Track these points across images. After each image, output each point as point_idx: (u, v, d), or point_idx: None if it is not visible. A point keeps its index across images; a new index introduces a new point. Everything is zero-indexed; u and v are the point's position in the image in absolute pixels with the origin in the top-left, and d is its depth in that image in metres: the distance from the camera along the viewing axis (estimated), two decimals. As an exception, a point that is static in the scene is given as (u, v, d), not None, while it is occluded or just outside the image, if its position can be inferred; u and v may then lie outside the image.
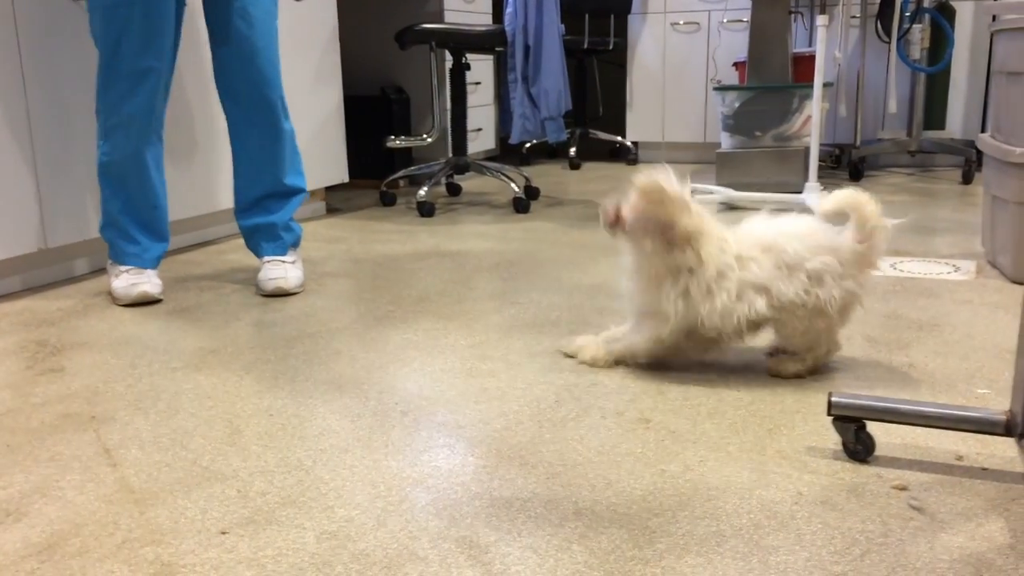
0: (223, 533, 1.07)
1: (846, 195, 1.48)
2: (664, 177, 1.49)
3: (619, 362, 1.62)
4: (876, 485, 1.16)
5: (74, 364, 1.69)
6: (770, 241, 1.48)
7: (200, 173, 2.68)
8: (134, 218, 2.14)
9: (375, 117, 3.86)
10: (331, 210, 3.39)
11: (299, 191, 2.28)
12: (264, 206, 2.24)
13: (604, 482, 1.18)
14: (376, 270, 2.41)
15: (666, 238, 1.48)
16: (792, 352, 1.53)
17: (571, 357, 1.66)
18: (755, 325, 1.51)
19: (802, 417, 1.37)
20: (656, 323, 1.53)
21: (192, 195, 2.66)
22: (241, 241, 2.76)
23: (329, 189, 3.65)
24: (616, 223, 1.54)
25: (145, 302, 2.10)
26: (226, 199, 2.64)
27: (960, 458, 1.23)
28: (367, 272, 2.39)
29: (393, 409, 1.44)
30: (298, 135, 3.02)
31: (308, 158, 3.09)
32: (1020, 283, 2.10)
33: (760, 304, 1.47)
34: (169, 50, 2.05)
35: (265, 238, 2.25)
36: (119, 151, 2.04)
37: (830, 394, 1.23)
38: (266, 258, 2.24)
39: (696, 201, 1.51)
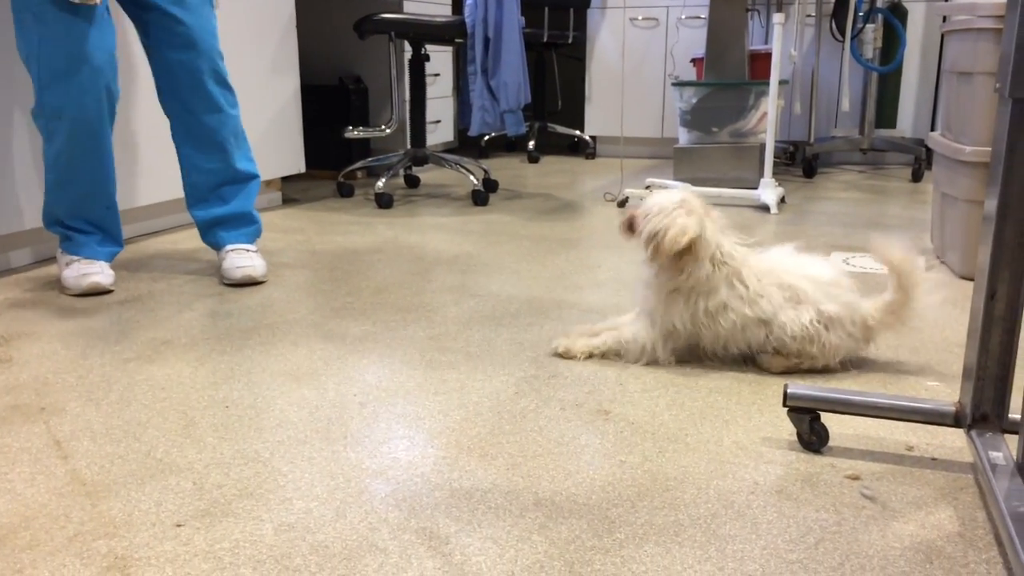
0: (178, 526, 1.05)
1: (900, 260, 1.51)
2: (688, 212, 1.52)
3: (603, 355, 1.63)
4: (830, 475, 1.18)
5: (22, 355, 1.65)
6: (790, 282, 1.53)
7: (149, 161, 2.63)
8: (86, 218, 2.09)
9: (333, 107, 3.82)
10: (287, 201, 3.35)
11: (252, 176, 2.24)
12: (220, 195, 2.20)
13: (564, 473, 1.18)
14: (334, 261, 2.38)
15: (680, 262, 1.52)
16: (786, 353, 1.55)
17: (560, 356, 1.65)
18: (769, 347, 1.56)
19: (758, 409, 1.39)
20: (664, 334, 1.58)
21: (142, 184, 2.61)
22: (195, 230, 2.72)
23: (285, 179, 3.61)
24: (631, 232, 1.58)
25: (96, 292, 2.05)
26: (175, 188, 2.59)
27: (911, 448, 1.26)
28: (324, 263, 2.36)
29: (352, 400, 1.43)
30: (254, 124, 2.99)
31: (264, 148, 3.05)
32: (968, 279, 2.15)
33: (760, 336, 1.53)
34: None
35: (226, 228, 2.22)
36: (67, 145, 1.99)
37: (785, 386, 1.25)
38: (229, 247, 2.20)
39: (719, 224, 1.56)
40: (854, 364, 1.58)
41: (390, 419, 1.36)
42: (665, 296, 1.56)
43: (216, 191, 2.19)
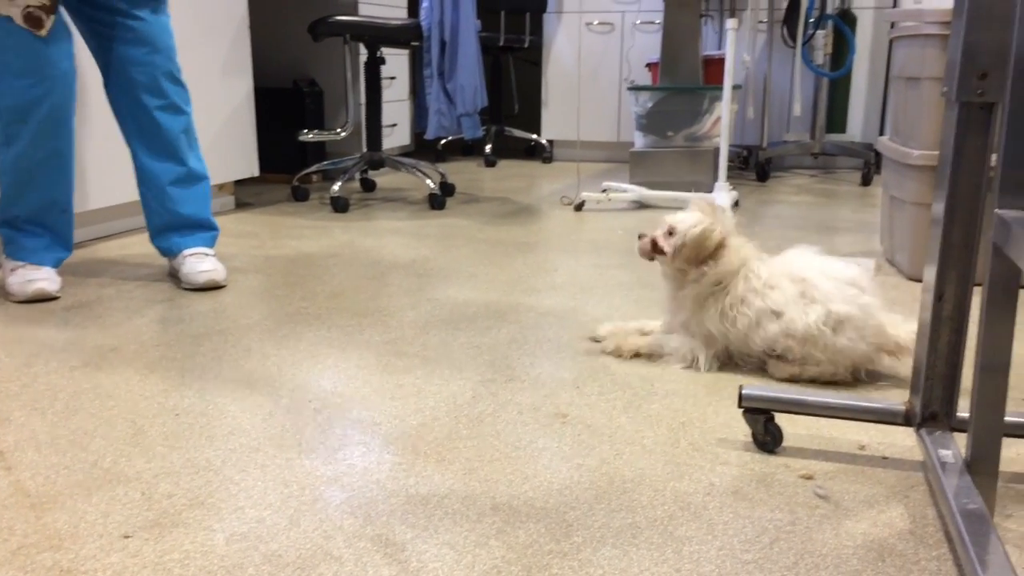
0: (126, 537, 1.03)
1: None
2: (707, 215, 1.58)
3: (648, 356, 1.65)
4: (784, 475, 1.19)
5: (-37, 363, 1.60)
6: (804, 275, 1.52)
7: (99, 165, 2.57)
8: (40, 222, 2.05)
9: (287, 110, 3.78)
10: (241, 205, 3.30)
11: (203, 177, 2.21)
12: (173, 195, 2.16)
13: (521, 477, 1.18)
14: (288, 266, 2.35)
15: (700, 269, 1.56)
16: (791, 360, 1.52)
17: (597, 341, 1.71)
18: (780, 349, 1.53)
19: (714, 410, 1.40)
20: (703, 341, 1.58)
21: (93, 188, 2.56)
22: (144, 235, 2.66)
23: (239, 183, 3.56)
24: (655, 253, 1.62)
25: (42, 299, 2.00)
26: (126, 192, 2.54)
27: (863, 448, 1.27)
28: (279, 268, 2.33)
29: (306, 407, 1.41)
30: (206, 127, 2.94)
31: (216, 151, 3.01)
32: (917, 280, 2.19)
33: (773, 329, 1.50)
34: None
35: (182, 233, 2.18)
36: (29, 148, 1.94)
37: (740, 387, 1.26)
38: (188, 251, 2.17)
39: (733, 228, 1.59)
40: (872, 377, 1.54)
41: (345, 425, 1.34)
42: (693, 304, 1.57)
43: (168, 190, 2.15)
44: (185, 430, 1.32)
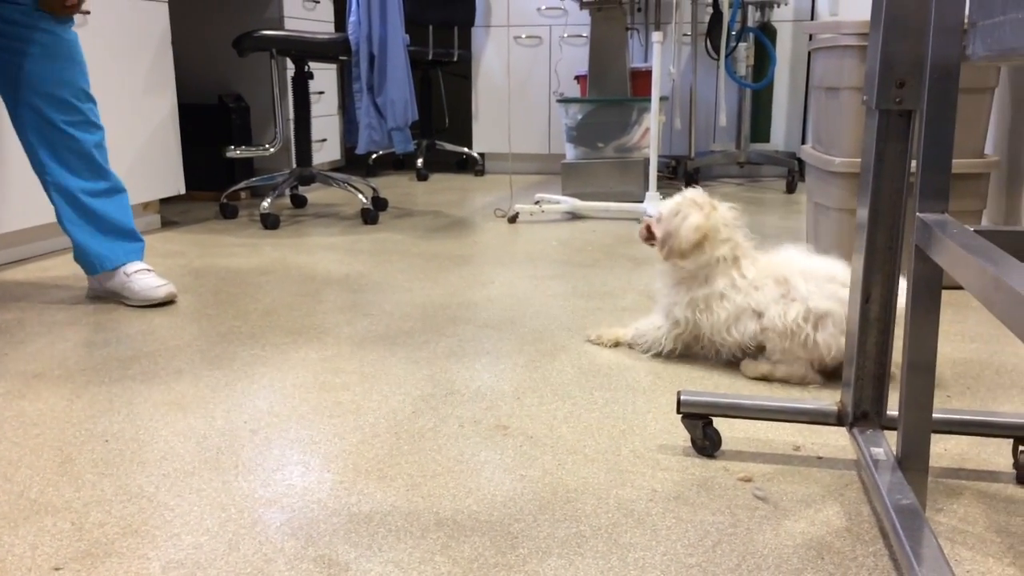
0: (56, 569, 0.99)
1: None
2: (694, 207, 1.63)
3: (629, 345, 1.76)
4: (723, 478, 1.21)
5: None
6: (787, 274, 1.56)
7: (14, 186, 2.48)
8: None
9: (213, 126, 3.71)
10: (167, 223, 3.22)
11: (120, 189, 2.16)
12: (96, 211, 2.10)
13: (464, 491, 1.17)
14: (219, 285, 2.30)
15: (694, 255, 1.60)
16: (769, 352, 1.57)
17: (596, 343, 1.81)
18: (756, 344, 1.59)
19: (653, 417, 1.42)
20: (671, 324, 1.66)
21: (7, 210, 2.47)
22: (66, 255, 2.58)
23: (164, 202, 3.47)
24: (652, 238, 1.68)
25: None
26: (43, 213, 2.46)
27: (798, 448, 1.30)
28: (209, 287, 2.28)
29: (242, 428, 1.38)
30: (129, 145, 2.87)
31: (140, 169, 2.93)
32: (842, 284, 2.26)
33: (752, 327, 1.56)
34: None
35: (112, 245, 2.13)
36: None
37: (679, 392, 1.28)
38: (133, 267, 2.13)
39: (727, 217, 1.64)
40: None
41: (283, 445, 1.32)
42: (672, 287, 1.64)
43: (92, 204, 2.09)
44: (115, 456, 1.28)
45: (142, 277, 2.12)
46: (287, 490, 1.17)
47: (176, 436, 1.35)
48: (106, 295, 2.16)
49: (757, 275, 1.58)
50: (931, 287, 1.01)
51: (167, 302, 2.12)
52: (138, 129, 2.93)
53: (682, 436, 1.33)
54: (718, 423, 1.30)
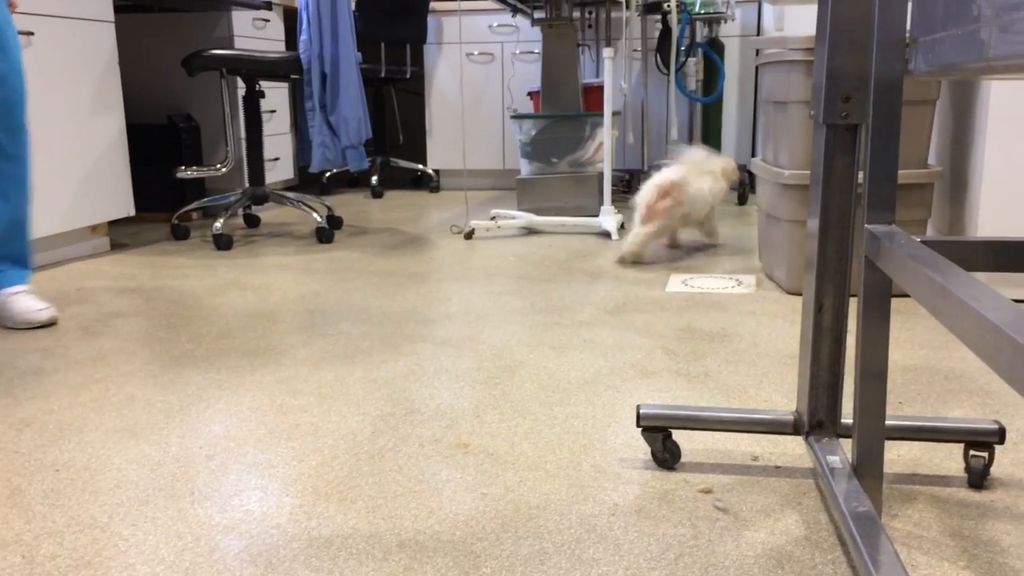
0: (5, 607, 0.96)
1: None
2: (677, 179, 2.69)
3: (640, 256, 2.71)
4: (684, 490, 1.22)
5: None
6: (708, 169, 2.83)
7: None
8: None
9: (163, 147, 3.66)
10: (116, 246, 3.17)
11: (26, 220, 2.14)
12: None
13: (426, 511, 1.16)
14: (171, 307, 2.27)
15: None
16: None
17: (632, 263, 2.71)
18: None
19: (613, 431, 1.42)
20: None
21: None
22: None
23: (113, 224, 3.42)
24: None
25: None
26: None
27: (756, 458, 1.31)
28: (161, 310, 2.24)
29: (197, 453, 1.36)
30: (76, 166, 2.82)
31: (88, 191, 2.88)
32: (795, 294, 2.30)
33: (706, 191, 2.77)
34: None
35: (4, 271, 2.10)
36: None
37: (639, 406, 1.29)
38: (13, 289, 2.11)
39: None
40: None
41: (240, 470, 1.30)
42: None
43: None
44: (67, 486, 1.25)
45: (23, 300, 2.09)
46: (245, 516, 1.16)
47: (129, 464, 1.32)
48: None
49: (691, 171, 2.78)
50: (881, 296, 1.03)
51: (48, 325, 2.09)
52: (86, 151, 2.88)
53: (642, 449, 1.34)
54: (678, 435, 1.31)
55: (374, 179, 4.60)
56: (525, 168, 3.78)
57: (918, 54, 0.93)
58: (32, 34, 2.56)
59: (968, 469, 1.23)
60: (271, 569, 1.03)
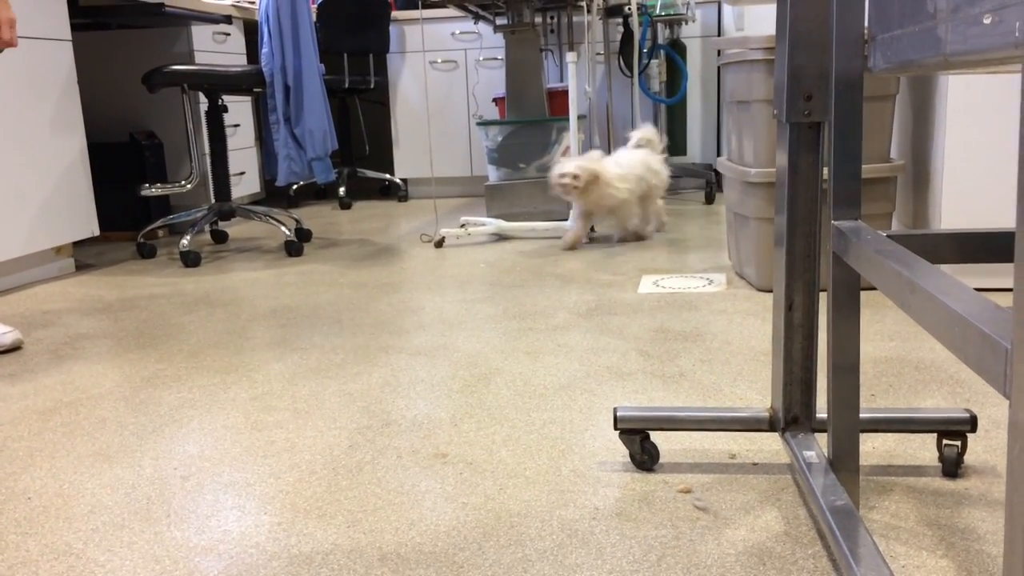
0: (-20, 640, 0.94)
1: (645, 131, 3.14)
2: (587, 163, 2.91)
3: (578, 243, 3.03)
4: (664, 491, 1.22)
5: None
6: (639, 159, 3.06)
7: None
8: None
9: (125, 165, 3.62)
10: (81, 267, 3.12)
11: None
12: None
13: (407, 523, 1.16)
14: (140, 327, 2.24)
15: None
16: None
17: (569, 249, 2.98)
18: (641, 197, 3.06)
19: (591, 435, 1.42)
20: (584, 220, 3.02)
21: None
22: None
23: (78, 244, 3.37)
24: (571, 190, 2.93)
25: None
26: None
27: (734, 456, 1.32)
28: (129, 330, 2.21)
29: (172, 475, 1.34)
30: (37, 187, 2.78)
31: (50, 212, 2.84)
32: (766, 291, 2.32)
33: (642, 186, 3.03)
34: None
35: None
36: None
37: (615, 409, 1.29)
38: None
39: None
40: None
41: (217, 490, 1.28)
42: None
43: None
44: (39, 514, 1.23)
45: None
46: (223, 536, 1.14)
47: (103, 488, 1.30)
48: None
49: (621, 168, 3.05)
50: (850, 291, 1.04)
51: (13, 349, 2.07)
52: (47, 171, 2.83)
53: (621, 452, 1.34)
54: (655, 436, 1.32)
55: (342, 190, 4.57)
56: (493, 174, 3.79)
57: (877, 51, 0.95)
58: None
59: (942, 458, 1.24)
60: (252, 589, 1.01)
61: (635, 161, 3.06)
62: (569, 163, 2.93)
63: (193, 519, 1.19)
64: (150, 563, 1.08)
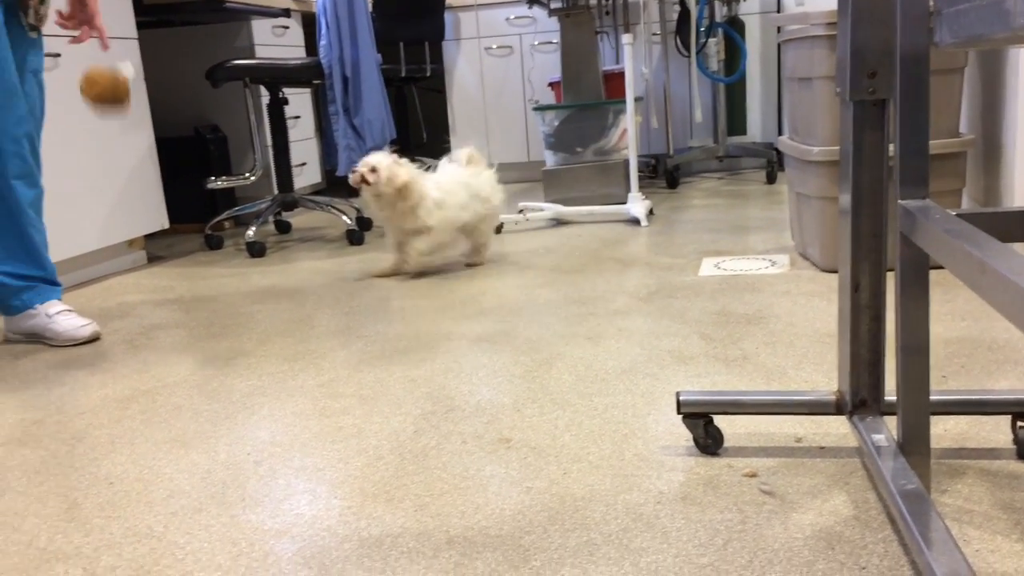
0: (71, 618, 0.99)
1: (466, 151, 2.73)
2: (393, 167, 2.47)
3: (398, 272, 2.64)
4: (728, 475, 1.22)
5: None
6: (465, 182, 2.60)
7: None
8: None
9: (192, 158, 3.71)
10: (153, 259, 3.22)
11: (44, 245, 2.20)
12: (34, 258, 2.15)
13: (473, 507, 1.18)
14: (210, 317, 2.30)
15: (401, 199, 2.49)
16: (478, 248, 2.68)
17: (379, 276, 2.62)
18: (465, 229, 2.61)
19: (654, 419, 1.43)
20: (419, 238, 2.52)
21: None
22: None
23: (149, 237, 3.47)
24: (366, 183, 2.48)
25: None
26: None
27: (799, 440, 1.31)
28: (201, 320, 2.28)
29: (245, 460, 1.38)
30: (109, 184, 2.87)
31: (123, 207, 2.93)
32: (831, 271, 2.28)
33: (465, 216, 2.56)
34: None
35: (38, 291, 2.16)
36: None
37: (678, 393, 1.29)
38: (51, 307, 2.15)
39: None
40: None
41: (288, 474, 1.32)
42: (399, 219, 2.53)
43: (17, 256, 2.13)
44: (121, 498, 1.28)
45: (67, 317, 2.14)
46: (296, 520, 1.18)
47: (180, 473, 1.35)
48: (25, 338, 2.19)
49: (444, 186, 2.57)
50: (918, 272, 1.02)
51: (91, 341, 2.14)
52: (119, 167, 2.92)
53: (684, 436, 1.34)
54: (719, 420, 1.31)
55: (400, 178, 4.61)
56: (550, 159, 3.78)
57: (943, 25, 0.92)
58: (59, 56, 2.61)
59: (1017, 441, 1.21)
60: (325, 571, 1.04)
61: (458, 186, 2.56)
62: (381, 156, 2.50)
63: (267, 503, 1.23)
64: (227, 545, 1.12)
